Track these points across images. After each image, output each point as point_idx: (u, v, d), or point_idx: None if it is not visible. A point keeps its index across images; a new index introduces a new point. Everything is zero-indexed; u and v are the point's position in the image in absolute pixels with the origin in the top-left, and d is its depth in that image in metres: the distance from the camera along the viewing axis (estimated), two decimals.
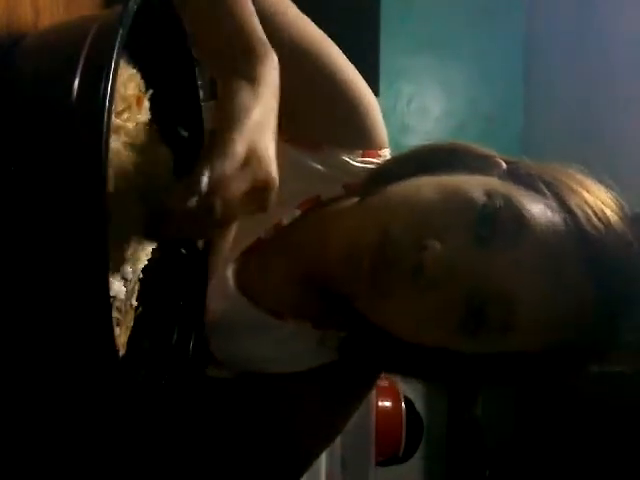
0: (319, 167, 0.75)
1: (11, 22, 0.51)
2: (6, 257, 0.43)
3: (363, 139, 0.76)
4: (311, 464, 0.81)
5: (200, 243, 0.61)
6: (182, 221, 0.47)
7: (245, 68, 0.55)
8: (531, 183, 0.67)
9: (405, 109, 2.76)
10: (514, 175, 0.69)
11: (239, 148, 0.49)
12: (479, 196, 0.64)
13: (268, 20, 0.67)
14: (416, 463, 2.40)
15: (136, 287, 0.55)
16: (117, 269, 0.51)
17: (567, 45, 2.65)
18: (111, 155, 0.45)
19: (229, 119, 0.50)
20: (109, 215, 0.42)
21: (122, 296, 0.52)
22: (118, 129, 0.49)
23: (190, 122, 0.59)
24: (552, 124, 2.64)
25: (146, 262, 0.55)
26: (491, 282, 0.62)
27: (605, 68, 2.45)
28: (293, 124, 0.70)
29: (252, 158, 0.50)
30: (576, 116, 2.51)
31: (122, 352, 0.52)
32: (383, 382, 1.98)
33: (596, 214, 0.64)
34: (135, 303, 0.55)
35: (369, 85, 0.77)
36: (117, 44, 0.42)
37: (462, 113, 2.80)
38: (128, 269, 0.52)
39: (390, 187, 0.68)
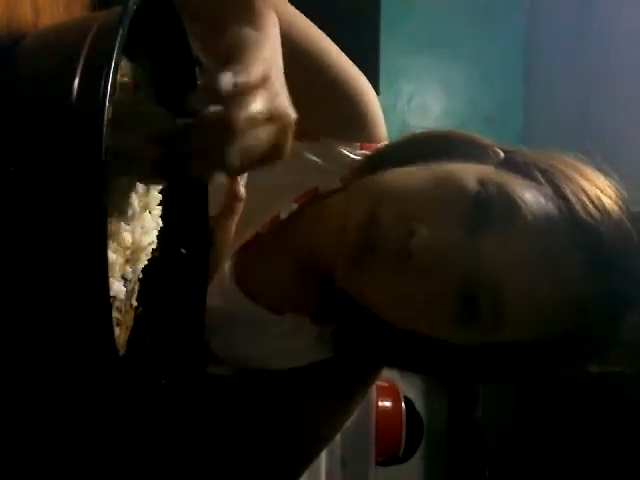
0: (316, 160, 0.75)
1: (11, 22, 0.51)
2: (6, 257, 0.43)
3: (362, 133, 0.76)
4: (311, 462, 0.81)
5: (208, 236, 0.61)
6: (197, 146, 0.42)
7: (246, 28, 0.52)
8: (527, 171, 0.66)
9: (405, 109, 2.76)
10: (510, 164, 0.68)
11: (257, 66, 0.45)
12: (472, 184, 0.63)
13: None
14: (416, 463, 2.39)
15: (136, 287, 0.55)
16: (124, 219, 0.49)
17: (567, 45, 2.64)
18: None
19: (239, 46, 0.47)
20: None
21: (122, 296, 0.52)
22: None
23: None
24: (552, 124, 2.64)
25: (146, 262, 0.55)
26: (480, 270, 0.61)
27: (605, 68, 2.45)
28: None
29: (268, 82, 0.46)
30: (576, 116, 2.51)
31: (122, 352, 0.52)
32: (383, 382, 1.98)
33: (592, 201, 0.63)
34: (135, 303, 0.55)
35: None
36: (117, 44, 0.42)
37: (462, 113, 2.79)
38: (128, 269, 0.52)
39: (384, 172, 0.68)
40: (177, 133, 0.43)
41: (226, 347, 0.76)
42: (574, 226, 0.62)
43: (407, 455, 2.06)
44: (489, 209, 0.62)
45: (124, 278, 0.53)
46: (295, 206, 0.76)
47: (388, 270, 0.63)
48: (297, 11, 0.76)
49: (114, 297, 0.51)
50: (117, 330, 0.52)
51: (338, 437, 0.89)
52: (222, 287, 0.75)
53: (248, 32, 0.50)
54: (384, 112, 0.78)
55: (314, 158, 0.75)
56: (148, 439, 0.68)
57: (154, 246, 0.55)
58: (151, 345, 0.57)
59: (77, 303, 0.42)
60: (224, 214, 0.63)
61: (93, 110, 0.40)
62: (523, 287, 0.61)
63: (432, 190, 0.63)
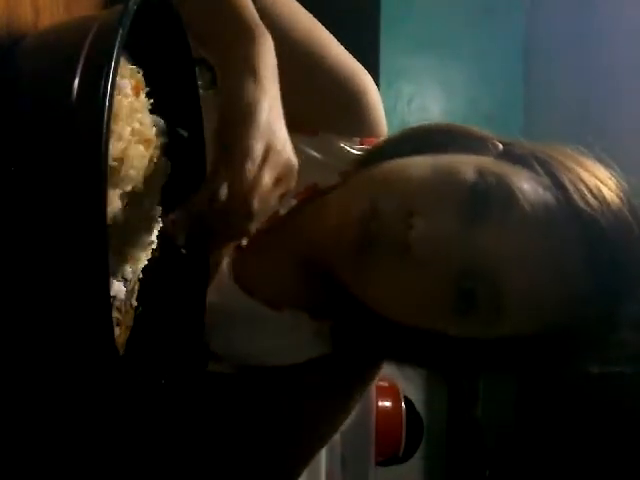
0: (316, 154, 0.75)
1: (11, 22, 0.51)
2: (6, 257, 0.43)
3: (362, 128, 0.76)
4: (311, 460, 0.81)
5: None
6: (222, 230, 0.50)
7: (242, 51, 0.55)
8: (526, 162, 0.65)
9: (405, 108, 2.75)
10: (509, 155, 0.68)
11: (259, 146, 0.50)
12: (470, 175, 0.63)
13: (265, 13, 0.67)
14: (416, 463, 2.39)
15: (136, 287, 0.55)
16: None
17: (567, 45, 2.65)
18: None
19: (239, 118, 0.51)
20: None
21: (122, 296, 0.52)
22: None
23: (190, 122, 0.59)
24: (552, 124, 2.64)
25: (146, 262, 0.55)
26: (478, 261, 0.61)
27: (605, 68, 2.45)
28: (289, 114, 0.70)
29: (271, 152, 0.51)
30: (576, 116, 2.51)
31: (122, 352, 0.52)
32: (383, 382, 1.98)
33: (591, 191, 0.62)
34: (135, 303, 0.55)
35: None
36: (117, 44, 0.42)
37: (462, 113, 2.79)
38: (128, 269, 0.53)
39: (383, 164, 0.68)
40: (200, 216, 0.49)
41: (226, 344, 0.76)
42: (572, 216, 0.61)
43: (407, 455, 2.06)
44: (487, 199, 0.62)
45: (124, 278, 0.53)
46: (294, 202, 0.76)
47: (387, 264, 0.63)
48: (298, 5, 0.76)
49: (114, 297, 0.51)
50: (117, 330, 0.52)
51: (338, 437, 0.89)
52: (220, 284, 0.75)
53: (244, 85, 0.53)
54: (384, 112, 0.78)
55: (313, 153, 0.75)
56: (148, 439, 0.68)
57: (154, 246, 0.55)
58: (151, 345, 0.57)
59: (77, 303, 0.42)
60: None
61: (93, 110, 0.40)
62: (521, 278, 0.61)
63: (430, 180, 0.63)
